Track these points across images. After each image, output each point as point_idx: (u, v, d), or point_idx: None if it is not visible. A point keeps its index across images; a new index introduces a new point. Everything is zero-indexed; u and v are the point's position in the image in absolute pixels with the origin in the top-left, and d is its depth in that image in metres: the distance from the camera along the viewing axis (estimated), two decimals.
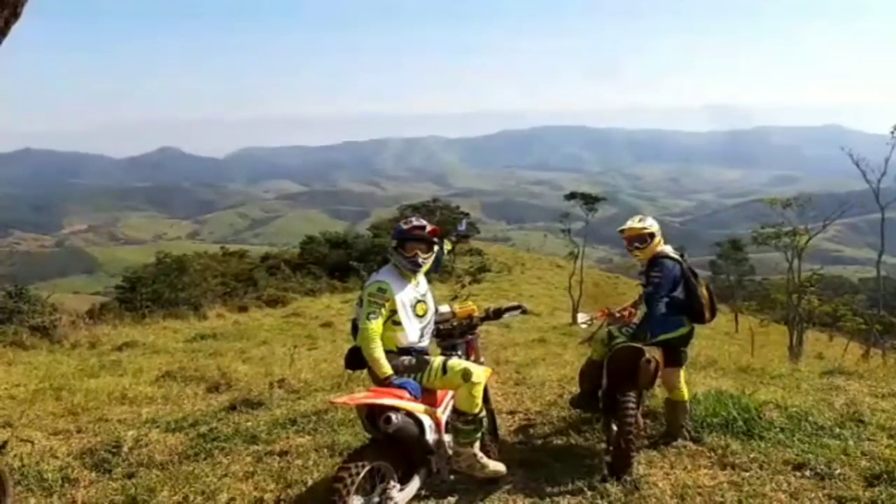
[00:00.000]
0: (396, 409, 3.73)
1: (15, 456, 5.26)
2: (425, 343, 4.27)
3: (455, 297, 22.59)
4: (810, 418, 5.45)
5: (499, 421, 5.73)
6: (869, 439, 5.07)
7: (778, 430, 5.25)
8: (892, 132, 19.17)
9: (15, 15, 3.12)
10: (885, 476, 4.40)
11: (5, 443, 5.48)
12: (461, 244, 5.33)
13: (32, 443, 5.68)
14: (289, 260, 36.96)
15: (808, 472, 4.58)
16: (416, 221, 4.27)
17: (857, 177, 19.83)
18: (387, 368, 3.89)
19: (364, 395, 3.84)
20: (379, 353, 3.92)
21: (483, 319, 4.82)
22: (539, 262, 49.21)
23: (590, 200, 31.65)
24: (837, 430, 5.26)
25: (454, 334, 4.66)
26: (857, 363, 10.54)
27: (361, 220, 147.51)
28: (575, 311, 24.42)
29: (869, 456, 4.74)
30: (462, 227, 5.28)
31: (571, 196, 32.58)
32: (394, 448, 3.84)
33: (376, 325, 3.95)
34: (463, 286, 26.01)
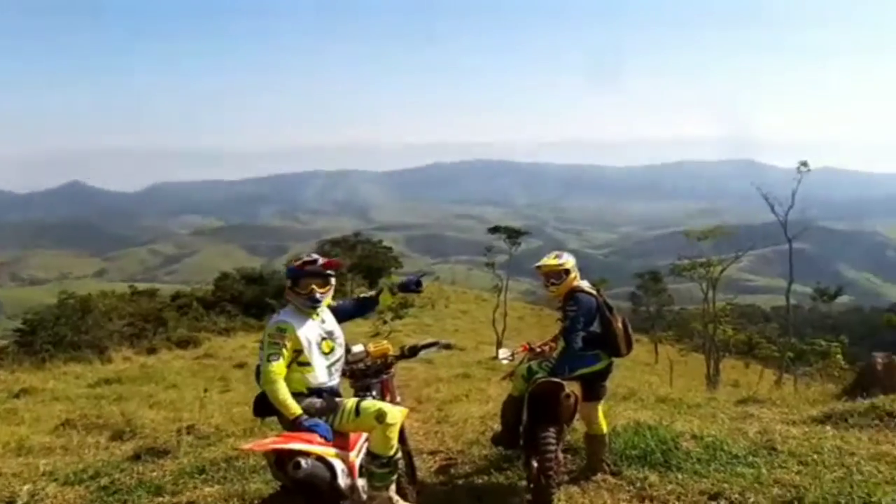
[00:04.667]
0: (306, 454, 3.55)
1: None
2: (335, 382, 4.13)
3: (377, 334, 22.35)
4: (725, 447, 5.54)
5: (419, 462, 5.59)
6: (781, 466, 5.18)
7: (694, 460, 5.31)
8: (799, 168, 20.41)
9: None
10: (795, 503, 4.49)
11: None
12: (410, 294, 5.01)
13: None
14: (202, 298, 35.72)
15: (723, 502, 4.63)
16: (306, 257, 4.18)
17: (766, 209, 20.92)
18: (295, 409, 3.73)
19: (271, 441, 3.62)
20: (284, 394, 3.76)
21: (398, 358, 4.69)
22: (464, 296, 49.46)
23: (513, 234, 32.22)
24: (751, 458, 5.36)
25: (368, 374, 4.52)
26: (770, 391, 10.94)
27: (279, 255, 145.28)
28: (499, 345, 24.52)
29: (781, 483, 4.82)
30: (412, 278, 4.84)
31: (495, 230, 33.11)
32: (305, 495, 3.64)
33: (278, 367, 3.80)
34: (385, 322, 25.73)
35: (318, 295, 4.06)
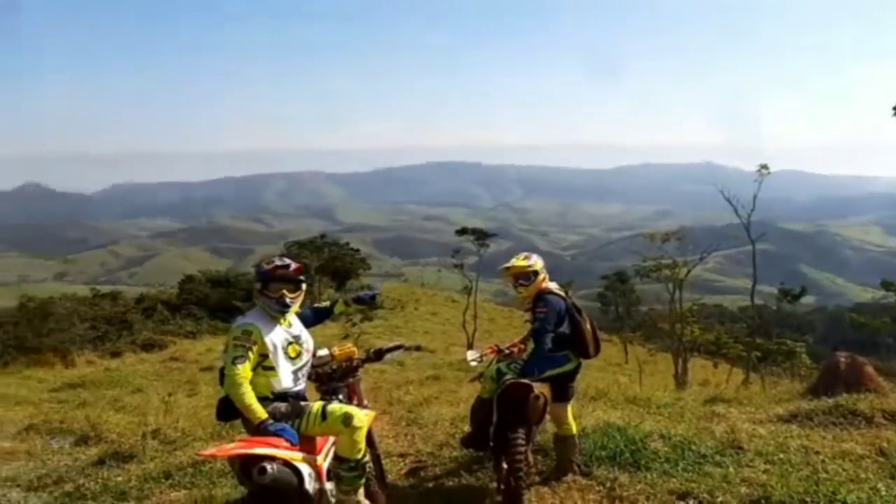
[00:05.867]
0: (272, 459, 3.49)
1: None
2: (301, 387, 4.08)
3: (346, 336, 22.20)
4: (693, 447, 5.60)
5: (389, 464, 5.57)
6: (748, 465, 5.25)
7: (663, 460, 5.35)
8: (760, 170, 20.76)
9: None
10: (762, 501, 4.55)
11: None
12: (367, 308, 4.99)
13: None
14: (167, 301, 35.13)
15: (691, 501, 4.67)
16: (278, 261, 4.10)
17: (730, 211, 21.25)
18: (261, 413, 3.68)
19: (235, 446, 3.55)
20: (249, 397, 3.70)
21: (364, 361, 4.67)
22: (433, 298, 49.36)
23: (481, 236, 32.27)
24: (718, 457, 5.42)
25: (334, 377, 4.48)
26: (737, 390, 11.09)
27: (245, 257, 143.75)
28: (469, 347, 24.57)
29: (748, 482, 4.88)
30: (366, 294, 4.94)
31: (463, 231, 33.12)
32: (272, 500, 3.59)
33: (243, 370, 3.73)
34: (354, 324, 25.59)
35: (287, 300, 4.02)
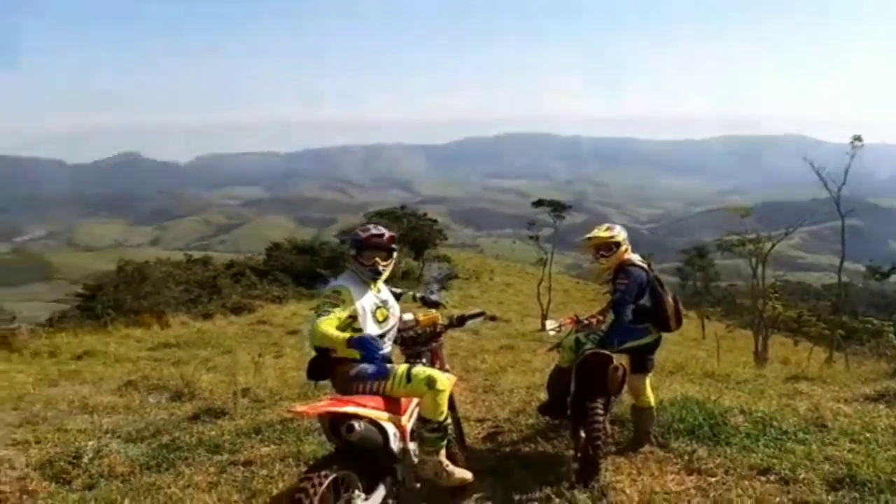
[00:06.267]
0: (359, 418, 3.65)
1: None
2: (387, 350, 4.21)
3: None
4: (774, 423, 5.51)
5: (467, 429, 5.70)
6: (832, 444, 5.13)
7: (743, 435, 5.30)
8: (852, 142, 19.61)
9: None
10: (847, 480, 4.45)
11: None
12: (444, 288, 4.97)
13: None
14: (254, 267, 36.49)
15: (772, 477, 4.61)
16: (374, 230, 4.22)
17: (815, 185, 20.24)
18: (343, 335, 3.75)
19: (325, 404, 3.71)
20: (330, 332, 3.76)
21: (447, 327, 4.77)
22: (507, 269, 49.41)
23: (557, 208, 31.89)
24: (801, 434, 5.32)
25: (418, 342, 4.61)
26: (820, 368, 10.75)
27: (328, 226, 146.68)
28: (544, 318, 24.56)
29: (832, 460, 4.78)
30: (434, 299, 5.03)
31: (539, 203, 32.81)
32: (358, 457, 3.75)
33: (325, 322, 3.80)
34: (431, 293, 25.92)
35: (380, 267, 4.16)
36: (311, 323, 3.87)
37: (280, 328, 18.26)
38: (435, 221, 50.75)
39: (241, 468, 5.11)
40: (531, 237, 32.91)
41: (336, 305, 3.90)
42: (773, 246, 21.83)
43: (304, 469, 4.91)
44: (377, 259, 4.14)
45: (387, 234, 4.21)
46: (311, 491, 3.35)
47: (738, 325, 33.95)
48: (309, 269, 33.83)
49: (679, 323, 5.23)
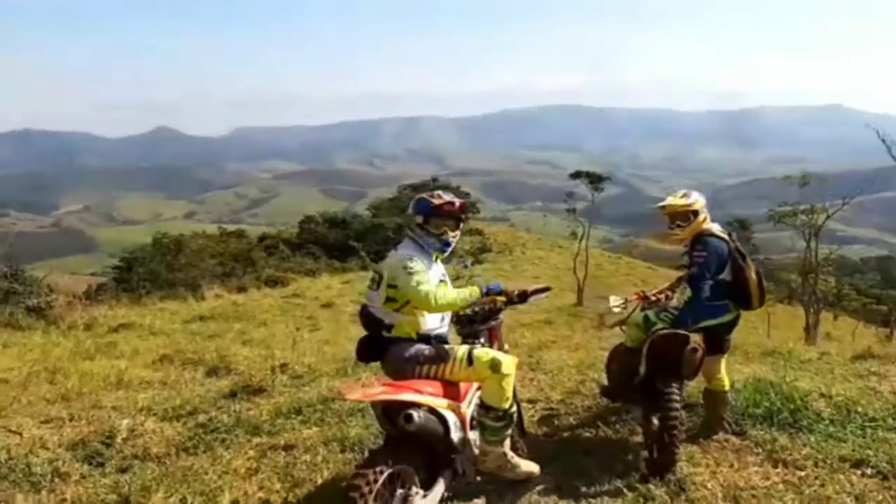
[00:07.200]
0: (418, 406, 3.29)
1: (2, 448, 4.86)
2: (445, 329, 3.81)
3: (458, 278, 22.20)
4: (859, 409, 5.04)
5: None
6: None
7: (827, 422, 4.84)
8: None
9: None
10: None
11: None
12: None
13: (21, 434, 5.27)
14: (287, 240, 36.57)
15: (869, 471, 4.15)
16: (446, 196, 3.80)
17: (859, 157, 19.40)
18: (475, 288, 3.65)
19: (381, 391, 3.32)
20: (451, 294, 3.53)
21: (508, 303, 4.20)
22: (540, 243, 48.72)
23: (595, 180, 31.19)
24: (891, 421, 4.83)
25: (476, 320, 4.15)
26: (881, 346, 10.15)
27: (359, 199, 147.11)
28: (580, 292, 24.06)
29: None
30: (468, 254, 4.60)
31: (577, 175, 32.10)
32: (415, 449, 3.39)
33: (439, 290, 3.49)
34: (465, 266, 25.56)
35: (450, 238, 3.78)
36: (414, 293, 3.44)
37: (314, 301, 18.19)
38: (467, 194, 50.28)
39: (283, 452, 4.79)
40: (568, 210, 32.25)
41: (423, 272, 3.53)
42: (829, 217, 20.95)
43: (350, 455, 4.61)
44: (446, 228, 3.75)
45: (457, 201, 3.80)
46: (366, 489, 3.00)
47: (776, 300, 33.19)
48: (341, 241, 33.76)
49: (762, 300, 4.72)
